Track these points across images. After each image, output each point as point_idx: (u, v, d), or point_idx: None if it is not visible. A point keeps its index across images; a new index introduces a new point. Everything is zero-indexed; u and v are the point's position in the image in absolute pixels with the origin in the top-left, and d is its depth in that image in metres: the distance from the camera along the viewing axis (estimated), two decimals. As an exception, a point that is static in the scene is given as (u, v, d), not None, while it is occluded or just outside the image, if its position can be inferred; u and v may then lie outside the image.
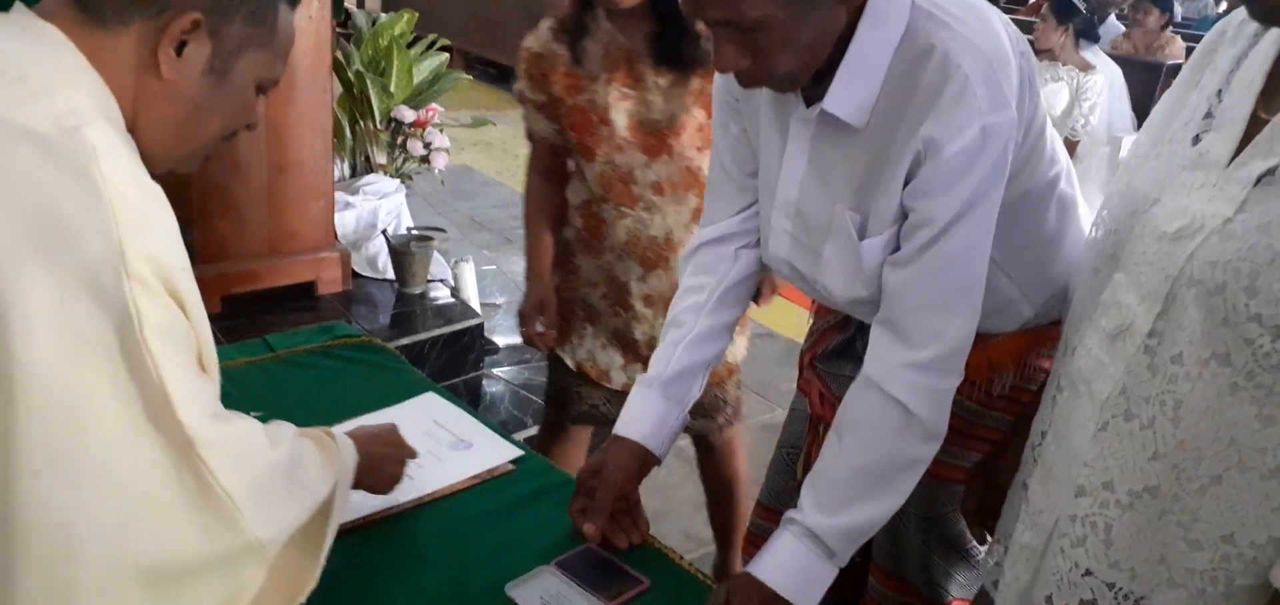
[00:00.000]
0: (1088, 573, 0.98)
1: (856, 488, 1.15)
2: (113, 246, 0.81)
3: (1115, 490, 0.95)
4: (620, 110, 1.74)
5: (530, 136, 1.89)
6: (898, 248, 1.13)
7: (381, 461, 1.25)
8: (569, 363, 1.96)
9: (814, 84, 1.11)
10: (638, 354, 1.90)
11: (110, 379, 0.82)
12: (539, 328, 1.91)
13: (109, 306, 0.81)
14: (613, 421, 1.40)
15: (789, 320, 3.81)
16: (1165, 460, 0.91)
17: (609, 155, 1.76)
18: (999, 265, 1.21)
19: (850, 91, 1.09)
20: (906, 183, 1.09)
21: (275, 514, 0.96)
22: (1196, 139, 0.94)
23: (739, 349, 1.96)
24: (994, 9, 1.12)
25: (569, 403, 2.00)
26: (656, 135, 1.74)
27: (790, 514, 1.18)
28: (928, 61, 1.05)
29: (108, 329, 0.82)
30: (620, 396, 1.87)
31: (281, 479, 0.98)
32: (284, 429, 1.05)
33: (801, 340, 1.54)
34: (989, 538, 1.38)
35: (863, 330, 1.27)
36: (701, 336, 1.35)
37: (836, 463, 1.16)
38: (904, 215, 1.12)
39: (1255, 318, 0.84)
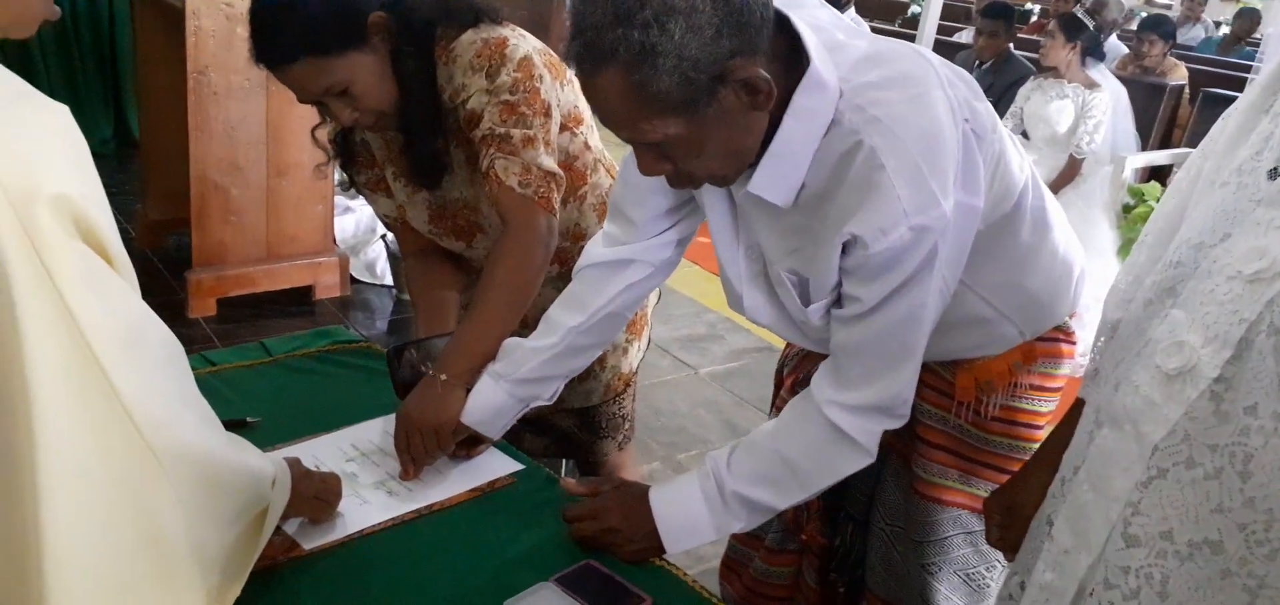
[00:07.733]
0: None
1: (772, 468, 1.20)
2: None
3: (1175, 541, 0.87)
4: (417, 204, 1.60)
5: (387, 223, 1.70)
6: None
7: (313, 484, 1.22)
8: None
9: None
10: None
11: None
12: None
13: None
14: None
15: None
16: (1230, 516, 0.84)
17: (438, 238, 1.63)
18: (977, 293, 1.22)
19: (772, 180, 1.09)
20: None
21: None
22: (1275, 172, 0.85)
23: (633, 358, 1.79)
24: (932, 67, 1.07)
25: None
26: (461, 218, 1.60)
27: (711, 455, 1.25)
28: (854, 158, 1.04)
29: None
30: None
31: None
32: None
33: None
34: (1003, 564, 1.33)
35: None
36: (568, 351, 1.36)
37: (766, 438, 1.22)
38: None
39: None
